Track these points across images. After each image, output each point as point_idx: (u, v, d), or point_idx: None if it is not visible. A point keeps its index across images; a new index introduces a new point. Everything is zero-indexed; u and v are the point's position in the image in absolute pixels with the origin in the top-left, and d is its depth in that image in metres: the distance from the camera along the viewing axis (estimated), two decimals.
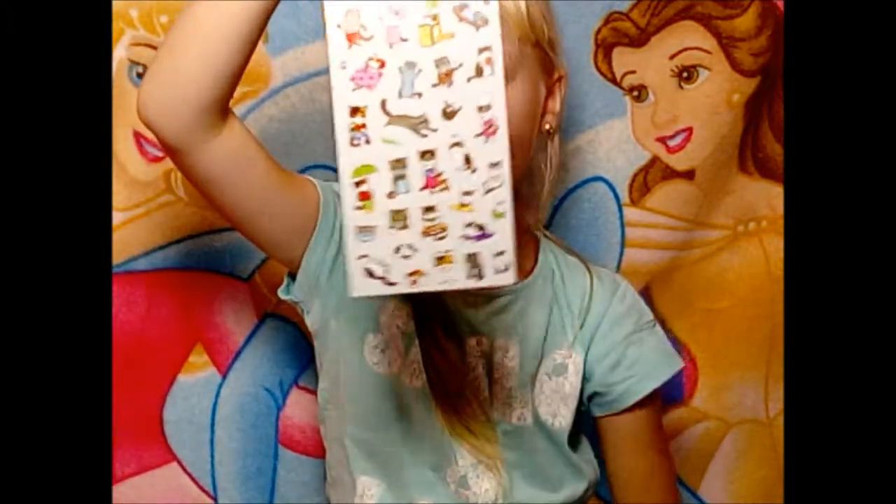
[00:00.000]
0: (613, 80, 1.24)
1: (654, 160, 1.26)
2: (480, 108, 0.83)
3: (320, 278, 1.02)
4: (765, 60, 1.24)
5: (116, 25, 1.15)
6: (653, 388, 1.10)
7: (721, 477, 1.33)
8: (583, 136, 1.24)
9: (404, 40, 0.82)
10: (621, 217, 1.27)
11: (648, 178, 1.26)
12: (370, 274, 0.85)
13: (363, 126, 0.83)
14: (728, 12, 1.23)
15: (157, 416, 1.25)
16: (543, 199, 1.12)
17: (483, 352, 1.07)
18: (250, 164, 0.95)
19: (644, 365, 1.11)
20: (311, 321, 1.07)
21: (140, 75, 1.18)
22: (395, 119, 0.83)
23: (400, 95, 0.83)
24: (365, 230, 0.85)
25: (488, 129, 0.83)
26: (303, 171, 1.19)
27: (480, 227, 0.85)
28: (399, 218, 0.85)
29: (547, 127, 1.07)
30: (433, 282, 0.86)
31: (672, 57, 1.23)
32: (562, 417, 1.09)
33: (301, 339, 1.25)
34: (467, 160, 0.84)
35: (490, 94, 0.83)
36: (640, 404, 1.11)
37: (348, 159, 0.84)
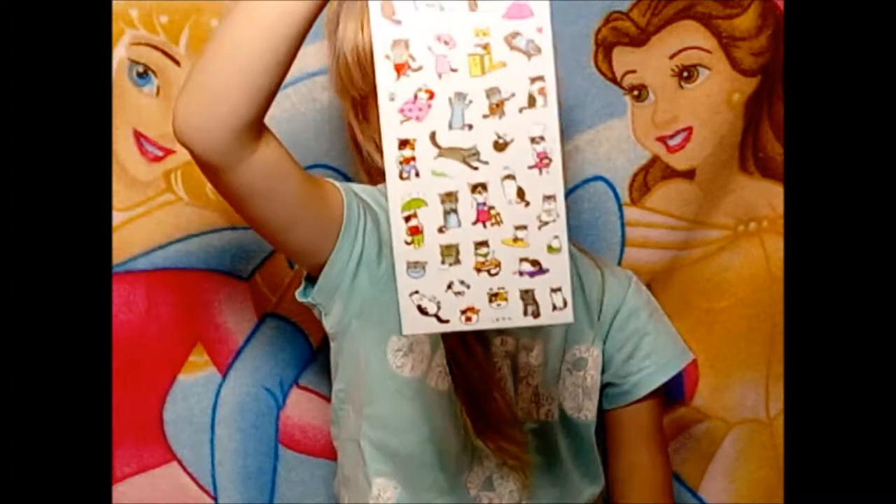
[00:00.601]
0: (613, 80, 1.24)
1: (655, 160, 1.26)
2: (533, 140, 0.82)
3: (343, 281, 1.02)
4: (765, 60, 1.24)
5: (116, 25, 1.15)
6: (666, 380, 1.13)
7: (721, 477, 1.33)
8: (583, 136, 1.24)
9: (454, 70, 0.81)
10: (621, 217, 1.27)
11: (648, 177, 1.26)
12: (422, 311, 0.84)
13: (412, 159, 0.82)
14: (728, 12, 1.23)
15: (157, 416, 1.25)
16: None
17: (508, 351, 1.08)
18: (286, 177, 0.94)
19: (658, 357, 1.13)
20: (329, 323, 1.06)
21: (140, 75, 1.18)
22: (445, 151, 0.82)
23: (450, 127, 0.82)
24: (415, 266, 0.83)
25: (541, 162, 0.82)
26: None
27: (535, 263, 0.83)
28: (450, 253, 0.83)
29: None
30: (488, 319, 0.84)
31: (672, 56, 1.23)
32: (587, 411, 1.11)
33: (301, 338, 1.24)
34: (520, 193, 0.82)
35: (543, 125, 0.81)
36: (648, 396, 1.13)
37: (397, 192, 0.82)
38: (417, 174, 0.82)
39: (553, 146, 0.81)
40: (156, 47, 1.17)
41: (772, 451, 1.33)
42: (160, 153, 1.19)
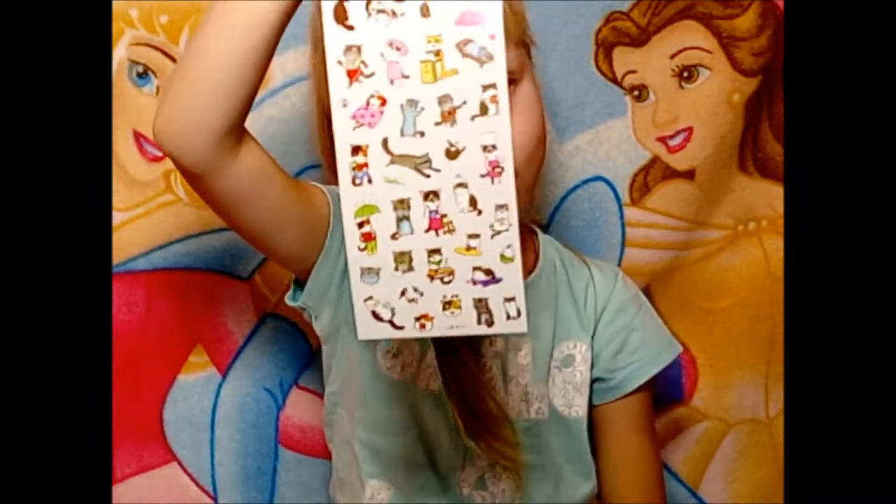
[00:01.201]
0: (614, 80, 1.24)
1: (655, 160, 1.26)
2: (485, 148, 0.81)
3: (331, 285, 1.02)
4: (765, 60, 1.24)
5: (116, 25, 1.15)
6: (655, 373, 1.13)
7: (721, 477, 1.33)
8: (583, 136, 1.24)
9: (406, 77, 0.80)
10: (621, 217, 1.27)
11: (649, 177, 1.26)
12: (377, 317, 0.84)
13: (365, 165, 0.81)
14: (728, 12, 1.23)
15: (157, 416, 1.25)
16: (537, 194, 1.14)
17: (497, 351, 1.08)
18: (269, 182, 0.94)
19: (646, 351, 1.13)
20: (320, 327, 1.06)
21: (140, 75, 1.18)
22: (397, 158, 0.81)
23: (402, 134, 0.81)
24: (369, 272, 0.83)
25: (494, 170, 0.81)
26: (303, 170, 1.20)
27: (488, 272, 0.83)
28: (403, 260, 0.83)
29: None
30: (441, 326, 0.84)
31: (672, 56, 1.23)
32: (578, 407, 1.11)
33: (301, 339, 1.25)
34: (472, 201, 0.82)
35: (495, 134, 0.80)
36: (637, 390, 1.13)
37: (350, 199, 0.82)
38: (370, 181, 0.81)
39: (505, 155, 0.80)
40: (156, 47, 1.17)
41: (771, 451, 1.33)
42: (160, 153, 1.19)
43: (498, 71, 0.79)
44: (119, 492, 1.24)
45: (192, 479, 1.27)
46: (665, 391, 1.26)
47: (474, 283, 0.83)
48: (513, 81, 1.00)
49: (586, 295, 1.13)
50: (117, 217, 1.19)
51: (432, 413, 1.05)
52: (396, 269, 0.83)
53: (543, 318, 1.10)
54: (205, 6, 1.15)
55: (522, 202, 0.94)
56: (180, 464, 1.26)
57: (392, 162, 0.81)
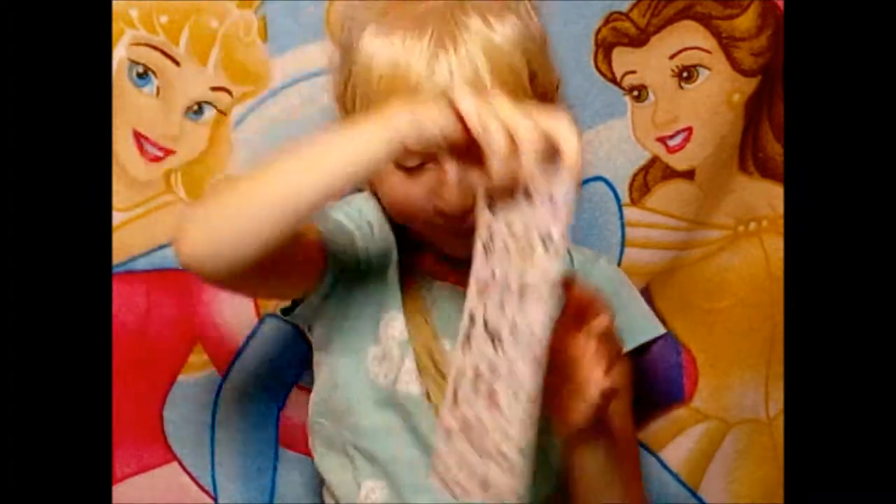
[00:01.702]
0: (613, 80, 1.24)
1: (655, 160, 1.25)
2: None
3: (324, 307, 1.04)
4: (765, 60, 1.24)
5: (116, 25, 1.15)
6: (632, 348, 1.10)
7: (721, 477, 1.33)
8: (583, 135, 1.24)
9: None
10: (621, 217, 1.27)
11: (648, 177, 1.26)
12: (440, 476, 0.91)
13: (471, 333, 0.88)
14: (728, 12, 1.23)
15: (157, 416, 1.25)
16: None
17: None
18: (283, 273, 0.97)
19: (626, 327, 1.08)
20: (313, 337, 1.09)
21: (140, 75, 1.18)
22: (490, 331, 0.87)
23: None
24: (447, 431, 0.89)
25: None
26: None
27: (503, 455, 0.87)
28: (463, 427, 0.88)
29: None
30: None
31: (672, 57, 1.23)
32: None
33: (301, 339, 1.24)
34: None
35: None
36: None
37: (457, 360, 0.89)
38: (471, 348, 0.89)
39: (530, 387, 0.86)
40: (156, 47, 1.17)
41: (772, 451, 1.33)
42: (160, 153, 1.19)
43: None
44: (119, 491, 1.24)
45: (193, 479, 1.27)
46: (665, 391, 1.26)
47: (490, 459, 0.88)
48: None
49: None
50: (117, 217, 1.19)
51: (420, 416, 1.05)
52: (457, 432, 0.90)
53: None
54: (205, 6, 1.16)
55: None
56: (180, 463, 1.26)
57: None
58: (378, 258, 1.05)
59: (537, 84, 1.00)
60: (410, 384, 1.05)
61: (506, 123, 0.82)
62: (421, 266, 1.08)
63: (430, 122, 0.83)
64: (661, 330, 1.15)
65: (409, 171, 0.99)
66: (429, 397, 1.05)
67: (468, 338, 0.89)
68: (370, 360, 1.05)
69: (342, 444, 1.08)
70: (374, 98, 0.97)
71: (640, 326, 1.14)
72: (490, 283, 0.87)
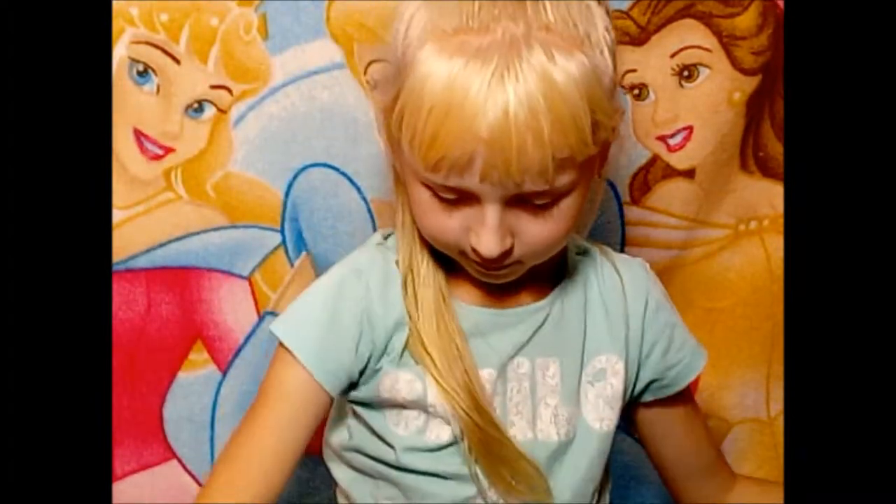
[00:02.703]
0: None
1: (655, 159, 1.25)
2: None
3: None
4: (765, 59, 1.24)
5: (117, 23, 1.15)
6: (703, 366, 1.11)
7: None
8: None
9: None
10: (621, 216, 1.27)
11: (649, 176, 1.26)
12: None
13: None
14: (729, 10, 1.23)
15: (157, 414, 1.25)
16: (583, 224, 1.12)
17: (524, 373, 1.04)
18: None
19: (690, 345, 1.11)
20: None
21: (140, 73, 1.18)
22: None
23: None
24: None
25: None
26: (302, 169, 1.20)
27: None
28: None
29: (597, 178, 1.03)
30: None
31: (672, 55, 1.23)
32: (609, 420, 1.06)
33: None
34: None
35: None
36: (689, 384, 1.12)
37: None
38: None
39: None
40: (156, 46, 1.17)
41: (772, 451, 1.33)
42: (160, 151, 1.19)
43: None
44: (119, 489, 1.24)
45: (193, 477, 1.27)
46: None
47: None
48: (559, 196, 0.95)
49: (624, 307, 1.08)
50: (117, 215, 1.19)
51: (450, 459, 1.02)
52: None
53: (572, 332, 1.06)
54: (206, 5, 1.16)
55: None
56: (180, 461, 1.26)
57: None
58: (379, 336, 1.02)
59: (599, 136, 0.93)
60: (441, 434, 1.02)
61: None
62: (455, 288, 1.04)
63: None
64: (705, 354, 1.13)
65: (445, 203, 0.95)
66: (462, 436, 1.01)
67: None
68: (391, 423, 1.04)
69: (363, 467, 1.07)
70: (419, 126, 0.91)
71: (696, 342, 1.13)
72: None
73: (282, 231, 1.22)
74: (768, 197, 1.29)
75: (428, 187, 0.95)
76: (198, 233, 1.21)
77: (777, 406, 1.32)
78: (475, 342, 1.02)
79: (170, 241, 1.21)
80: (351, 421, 1.07)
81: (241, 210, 1.21)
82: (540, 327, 1.04)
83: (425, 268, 1.02)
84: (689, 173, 1.26)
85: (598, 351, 1.07)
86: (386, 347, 1.02)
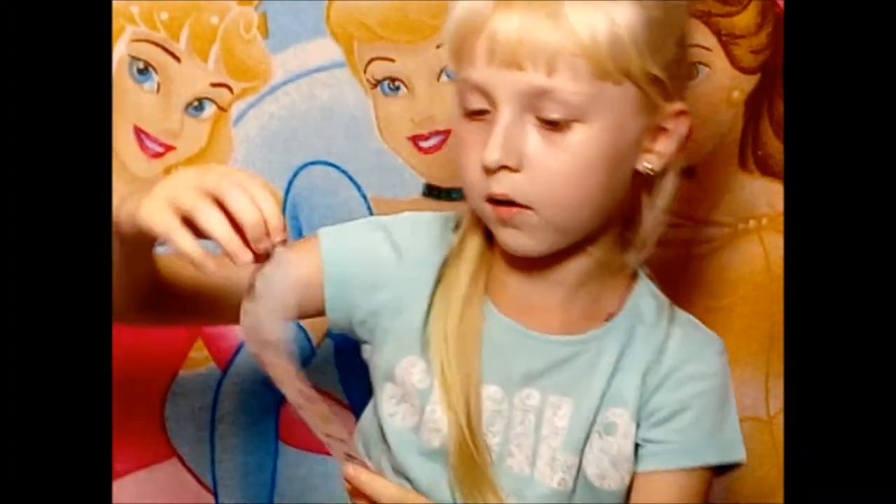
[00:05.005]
0: None
1: None
2: None
3: (352, 330, 1.05)
4: (765, 57, 1.24)
5: (117, 22, 1.15)
6: (684, 466, 1.01)
7: (721, 476, 1.33)
8: None
9: None
10: None
11: None
12: None
13: None
14: (728, 9, 1.23)
15: (157, 412, 1.25)
16: (641, 241, 1.01)
17: (532, 406, 1.00)
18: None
19: (689, 439, 1.02)
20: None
21: (141, 71, 1.18)
22: None
23: None
24: None
25: None
26: (302, 167, 1.20)
27: None
28: None
29: (647, 167, 0.97)
30: None
31: None
32: (610, 480, 1.01)
33: (302, 336, 1.25)
34: None
35: None
36: (677, 476, 1.01)
37: None
38: None
39: None
40: (156, 44, 1.17)
41: (772, 450, 1.33)
42: (161, 150, 1.19)
43: None
44: (119, 487, 1.24)
45: (193, 475, 1.27)
46: None
47: None
48: (567, 122, 0.92)
49: (658, 362, 1.01)
50: None
51: (433, 470, 1.00)
52: None
53: (598, 377, 1.00)
54: (205, 4, 1.17)
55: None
56: (181, 459, 1.26)
57: None
58: (400, 293, 1.01)
59: (623, 63, 0.91)
60: (433, 439, 1.00)
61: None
62: (494, 291, 1.01)
63: (147, 218, 0.90)
64: (740, 456, 1.06)
65: (475, 124, 0.94)
66: (454, 449, 0.99)
67: None
68: (384, 396, 1.02)
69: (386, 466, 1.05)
70: (449, 23, 0.95)
71: (711, 445, 1.04)
72: None
73: None
74: (767, 196, 1.29)
75: (463, 116, 0.95)
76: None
77: (776, 404, 1.32)
78: (490, 352, 1.00)
79: None
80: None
81: None
82: (564, 363, 1.00)
83: (471, 249, 1.01)
84: (689, 172, 1.26)
85: (616, 403, 1.00)
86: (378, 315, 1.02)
